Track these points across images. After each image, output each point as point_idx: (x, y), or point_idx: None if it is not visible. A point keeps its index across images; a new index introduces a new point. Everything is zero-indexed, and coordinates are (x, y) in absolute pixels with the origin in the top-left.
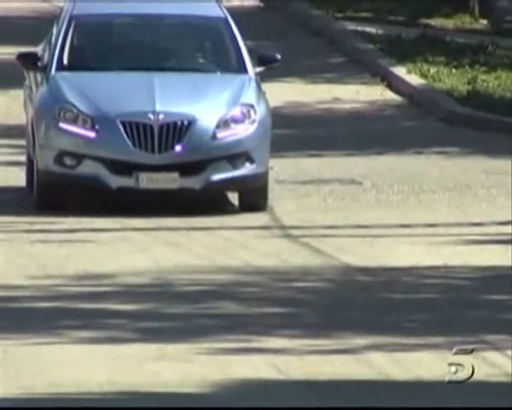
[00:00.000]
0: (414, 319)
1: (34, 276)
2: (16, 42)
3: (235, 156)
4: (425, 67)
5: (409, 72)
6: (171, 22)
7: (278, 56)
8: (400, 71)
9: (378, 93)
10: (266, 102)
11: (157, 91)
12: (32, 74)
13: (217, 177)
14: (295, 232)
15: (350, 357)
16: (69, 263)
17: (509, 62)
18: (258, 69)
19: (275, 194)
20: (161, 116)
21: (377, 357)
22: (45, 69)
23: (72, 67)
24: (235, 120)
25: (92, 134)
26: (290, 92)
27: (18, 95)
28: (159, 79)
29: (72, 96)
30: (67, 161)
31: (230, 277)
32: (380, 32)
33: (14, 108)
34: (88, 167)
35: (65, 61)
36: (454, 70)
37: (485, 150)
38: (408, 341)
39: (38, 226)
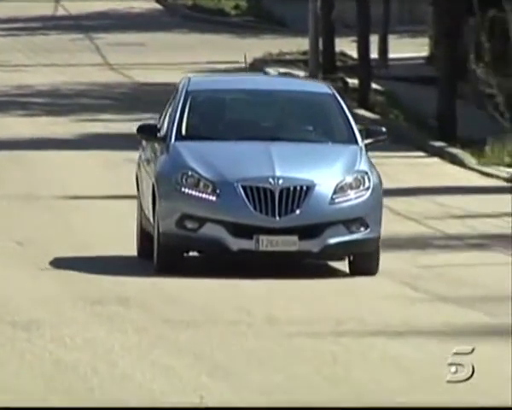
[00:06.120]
0: None
1: None
2: None
3: (351, 221)
4: None
5: None
6: (280, 97)
7: (383, 129)
8: None
9: (153, 5)
10: (377, 171)
11: (275, 158)
12: (149, 146)
13: (333, 240)
14: None
15: None
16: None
17: None
18: (366, 141)
19: None
20: (281, 181)
21: None
22: (164, 139)
23: (189, 136)
24: (351, 187)
25: (214, 198)
26: (100, 4)
27: None
28: (275, 147)
29: (193, 163)
30: (189, 224)
31: None
32: None
33: None
34: (209, 230)
35: (183, 132)
36: None
37: (209, 31)
38: None
39: None
